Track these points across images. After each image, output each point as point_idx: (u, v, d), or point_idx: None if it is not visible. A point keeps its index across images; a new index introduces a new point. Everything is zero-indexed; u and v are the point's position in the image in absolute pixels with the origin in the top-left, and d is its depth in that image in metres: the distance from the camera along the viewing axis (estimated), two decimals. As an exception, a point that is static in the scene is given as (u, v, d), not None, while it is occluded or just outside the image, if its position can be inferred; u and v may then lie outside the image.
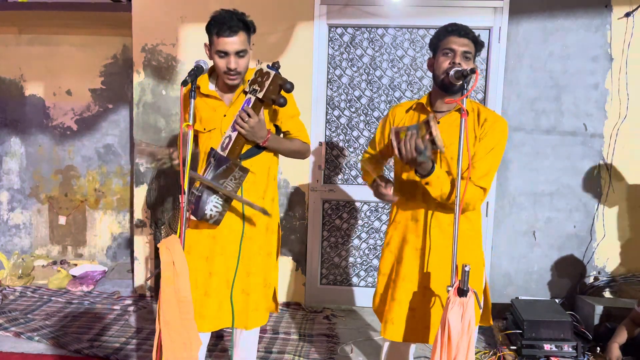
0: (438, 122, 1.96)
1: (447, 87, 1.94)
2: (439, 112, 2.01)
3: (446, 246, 1.97)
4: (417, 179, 1.88)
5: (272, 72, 1.96)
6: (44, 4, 3.96)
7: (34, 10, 4.06)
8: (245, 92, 2.04)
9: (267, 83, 1.95)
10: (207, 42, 2.09)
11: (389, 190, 2.00)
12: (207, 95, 2.12)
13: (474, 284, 1.96)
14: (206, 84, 2.14)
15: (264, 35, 3.63)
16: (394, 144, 1.79)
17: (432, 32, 3.60)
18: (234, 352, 2.30)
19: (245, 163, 2.06)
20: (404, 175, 2.04)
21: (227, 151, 2.01)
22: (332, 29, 3.68)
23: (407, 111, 2.12)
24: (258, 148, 2.11)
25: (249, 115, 1.96)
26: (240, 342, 2.31)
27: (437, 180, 1.84)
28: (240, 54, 2.02)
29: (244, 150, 2.07)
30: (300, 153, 2.27)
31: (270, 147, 2.12)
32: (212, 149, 2.07)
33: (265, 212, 2.09)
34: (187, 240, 2.12)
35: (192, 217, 2.03)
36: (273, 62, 2.04)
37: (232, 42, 1.99)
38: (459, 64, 1.88)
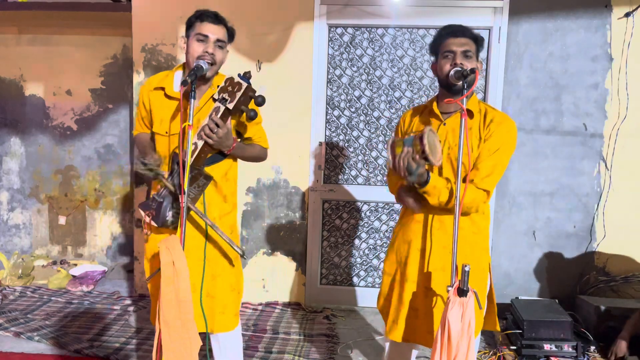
0: (444, 124, 1.96)
1: (451, 87, 1.93)
2: (445, 114, 2.00)
3: (450, 247, 1.96)
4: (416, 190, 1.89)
5: (245, 84, 1.91)
6: (44, 4, 3.96)
7: (34, 10, 4.05)
8: (214, 99, 1.97)
9: (239, 94, 1.90)
10: (184, 35, 2.06)
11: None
12: (170, 97, 2.06)
13: (478, 287, 1.96)
14: (171, 86, 2.08)
15: (264, 35, 3.63)
16: (389, 157, 1.82)
17: (432, 32, 3.61)
18: (214, 356, 2.26)
19: (207, 169, 2.04)
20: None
21: (192, 159, 1.95)
22: (332, 29, 3.68)
23: (413, 116, 2.12)
24: (222, 155, 2.09)
25: (217, 126, 1.91)
26: (220, 346, 2.25)
27: (434, 190, 1.86)
28: (219, 43, 2.01)
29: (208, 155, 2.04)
30: (259, 158, 2.28)
31: (235, 154, 2.12)
32: (175, 154, 2.01)
33: (241, 254, 2.08)
34: (152, 247, 2.14)
35: (153, 223, 2.00)
36: (245, 72, 1.98)
37: (215, 29, 2.00)
38: (461, 64, 1.88)
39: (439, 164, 1.82)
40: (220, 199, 2.15)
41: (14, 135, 4.43)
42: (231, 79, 1.95)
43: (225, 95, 1.93)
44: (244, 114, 1.95)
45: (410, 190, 1.98)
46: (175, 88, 2.08)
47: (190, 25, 2.04)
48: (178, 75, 2.12)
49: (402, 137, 1.84)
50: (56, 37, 4.31)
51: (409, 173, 1.78)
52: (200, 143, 1.95)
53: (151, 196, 2.04)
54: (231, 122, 2.06)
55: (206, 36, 1.99)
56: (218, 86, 1.99)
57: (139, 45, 3.72)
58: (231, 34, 2.10)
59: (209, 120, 1.92)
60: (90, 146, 4.41)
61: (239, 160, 2.24)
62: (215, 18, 2.01)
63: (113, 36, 4.25)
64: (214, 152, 2.05)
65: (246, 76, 1.96)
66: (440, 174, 1.95)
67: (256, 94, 1.93)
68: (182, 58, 3.70)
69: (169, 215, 1.99)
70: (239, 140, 2.15)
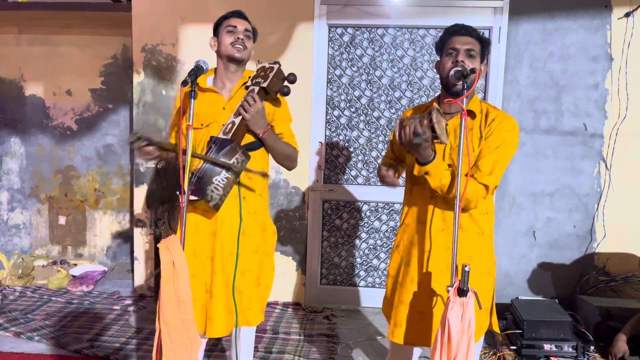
0: (446, 125, 1.95)
1: (450, 88, 1.93)
2: (447, 114, 2.00)
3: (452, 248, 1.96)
4: (418, 170, 1.87)
5: (276, 66, 2.09)
6: (44, 4, 3.97)
7: (34, 10, 4.06)
8: (247, 87, 2.12)
9: (272, 75, 2.06)
10: (214, 36, 2.21)
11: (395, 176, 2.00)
12: (204, 90, 2.16)
13: (483, 288, 1.96)
14: (204, 81, 2.20)
15: (264, 35, 3.62)
16: (396, 131, 1.80)
17: (432, 32, 3.62)
18: (231, 350, 2.29)
19: None
20: (415, 170, 2.00)
21: (230, 134, 2.01)
22: (332, 29, 3.68)
23: (413, 115, 2.12)
24: (258, 143, 2.14)
25: (254, 100, 2.02)
26: (240, 340, 2.30)
27: (436, 170, 1.83)
28: (247, 33, 2.17)
29: (244, 142, 2.09)
30: (290, 159, 2.28)
31: (268, 141, 2.14)
32: (211, 137, 2.06)
33: (265, 175, 2.18)
34: (192, 243, 2.12)
35: (193, 197, 1.98)
36: (274, 61, 2.14)
37: (242, 22, 2.18)
38: (462, 62, 1.87)
39: (446, 142, 1.80)
40: (257, 194, 2.19)
41: (14, 135, 4.43)
42: (263, 66, 2.15)
43: (258, 79, 2.10)
44: (278, 96, 2.13)
45: (390, 166, 2.00)
46: (209, 83, 2.22)
47: (218, 25, 2.20)
48: (210, 79, 2.24)
49: (412, 117, 1.83)
50: (56, 37, 4.31)
51: (415, 135, 1.73)
52: (238, 120, 2.03)
53: (192, 172, 2.03)
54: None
55: (235, 27, 2.15)
56: (249, 77, 2.16)
57: (139, 46, 3.72)
58: (254, 33, 2.25)
59: (246, 96, 2.04)
60: (90, 146, 4.41)
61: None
62: (240, 15, 2.20)
63: (113, 36, 4.25)
64: (251, 136, 2.11)
65: (276, 62, 2.14)
66: None
67: (289, 75, 2.10)
68: (182, 58, 3.70)
69: (208, 190, 1.97)
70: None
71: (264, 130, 2.09)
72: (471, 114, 1.94)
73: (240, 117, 2.03)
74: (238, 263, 2.14)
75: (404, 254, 2.07)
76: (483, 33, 1.98)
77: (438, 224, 1.97)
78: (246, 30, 2.17)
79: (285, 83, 2.11)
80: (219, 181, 1.98)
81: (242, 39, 2.13)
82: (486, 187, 1.89)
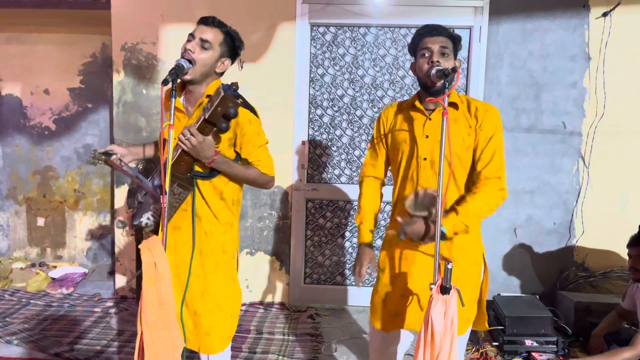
0: (430, 119, 2.03)
1: (429, 88, 1.99)
2: (428, 110, 2.05)
3: (447, 246, 2.03)
4: None
5: (222, 94, 1.78)
6: (21, 2, 3.89)
7: (10, 8, 3.98)
8: (204, 109, 1.92)
9: (215, 104, 1.79)
10: None
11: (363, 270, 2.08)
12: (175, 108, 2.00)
13: (469, 277, 2.03)
14: (180, 93, 2.06)
15: (246, 34, 3.58)
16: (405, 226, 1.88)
17: (414, 31, 3.62)
18: None
19: (200, 182, 1.99)
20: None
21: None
22: (314, 28, 3.68)
23: (397, 113, 2.15)
24: (215, 171, 2.00)
25: (191, 134, 1.84)
26: None
27: (450, 233, 1.92)
28: (204, 44, 1.96)
29: (197, 169, 1.98)
30: (256, 183, 2.10)
31: (219, 169, 1.99)
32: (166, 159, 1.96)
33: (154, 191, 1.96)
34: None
35: (134, 222, 1.96)
36: (231, 82, 1.89)
37: (203, 29, 1.99)
38: (438, 61, 1.92)
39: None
40: (212, 216, 2.05)
41: (-10, 135, 4.34)
42: (219, 87, 1.86)
43: (209, 105, 1.85)
44: (247, 117, 1.92)
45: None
46: (180, 99, 2.06)
47: None
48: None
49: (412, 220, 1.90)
50: (33, 35, 4.23)
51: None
52: (178, 152, 1.90)
53: (136, 195, 2.02)
54: (225, 139, 1.99)
55: (193, 36, 1.98)
56: (207, 95, 1.96)
57: (118, 44, 3.67)
58: (231, 39, 2.05)
59: (184, 128, 1.87)
60: (69, 146, 4.34)
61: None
62: (209, 21, 2.00)
63: (92, 34, 4.19)
64: (198, 165, 1.97)
65: (232, 88, 1.86)
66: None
67: (230, 107, 1.80)
68: (163, 57, 3.66)
69: (145, 217, 1.94)
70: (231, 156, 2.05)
71: (209, 161, 1.92)
72: (454, 105, 2.01)
73: (180, 149, 1.89)
74: (197, 283, 2.03)
75: (394, 248, 2.11)
76: (453, 31, 2.04)
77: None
78: (202, 39, 1.96)
79: (223, 118, 1.82)
80: (155, 209, 1.95)
81: (190, 50, 1.93)
82: (499, 177, 2.17)
